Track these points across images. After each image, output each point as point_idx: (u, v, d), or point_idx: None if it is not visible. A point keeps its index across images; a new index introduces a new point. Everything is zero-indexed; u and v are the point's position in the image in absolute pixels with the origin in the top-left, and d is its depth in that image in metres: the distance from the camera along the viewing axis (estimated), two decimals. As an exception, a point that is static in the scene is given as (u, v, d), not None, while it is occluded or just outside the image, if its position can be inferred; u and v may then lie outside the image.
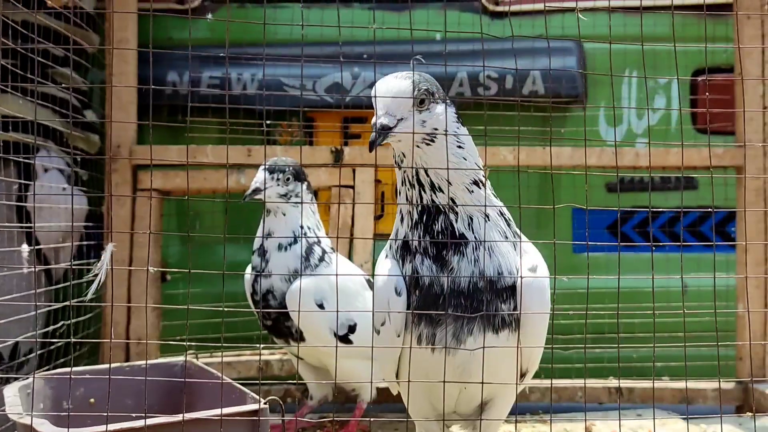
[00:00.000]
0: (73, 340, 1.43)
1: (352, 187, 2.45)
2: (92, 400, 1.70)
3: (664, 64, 2.87)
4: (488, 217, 1.29)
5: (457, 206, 1.27)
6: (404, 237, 1.30)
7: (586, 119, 2.97)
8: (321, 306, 1.84)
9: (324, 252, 1.92)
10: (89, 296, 1.22)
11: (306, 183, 1.96)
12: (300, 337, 1.90)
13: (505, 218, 1.33)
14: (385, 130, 1.23)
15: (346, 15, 2.96)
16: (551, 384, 1.34)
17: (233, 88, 2.93)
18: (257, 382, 2.43)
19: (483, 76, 2.95)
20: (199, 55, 2.85)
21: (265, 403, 1.35)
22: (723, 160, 2.57)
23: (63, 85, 2.57)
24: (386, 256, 1.34)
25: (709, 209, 2.89)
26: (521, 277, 1.29)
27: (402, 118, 1.24)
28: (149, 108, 2.72)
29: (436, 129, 1.26)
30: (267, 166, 1.88)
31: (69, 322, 2.10)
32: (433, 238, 1.27)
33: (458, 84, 3.05)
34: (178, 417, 1.29)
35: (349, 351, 1.81)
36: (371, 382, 1.86)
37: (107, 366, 1.84)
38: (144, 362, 1.84)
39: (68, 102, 2.77)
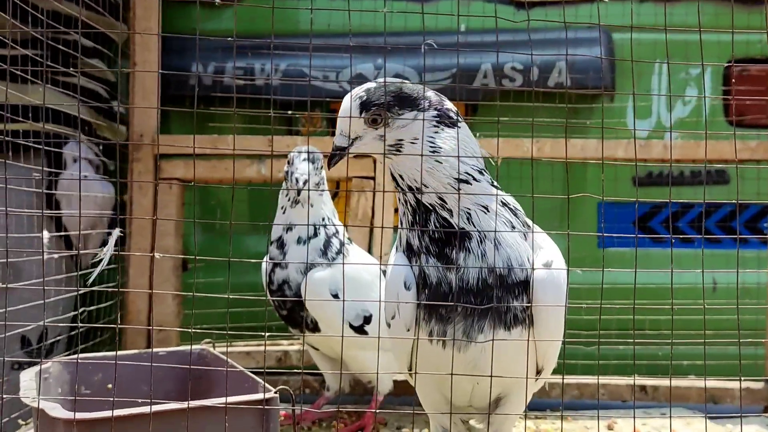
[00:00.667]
0: (96, 325, 1.45)
1: (373, 177, 2.43)
2: (110, 385, 1.71)
3: (696, 54, 2.80)
4: (487, 209, 1.27)
5: (447, 204, 1.25)
6: (406, 239, 1.29)
7: (611, 112, 2.90)
8: (336, 296, 1.83)
9: (342, 244, 1.91)
10: (90, 280, 1.22)
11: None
12: (314, 328, 1.89)
13: (509, 208, 1.30)
14: (340, 150, 1.27)
15: (369, 5, 2.93)
16: (562, 380, 1.30)
17: (256, 79, 2.93)
18: (275, 372, 2.45)
19: (507, 67, 2.90)
20: (222, 46, 2.86)
21: (275, 393, 1.35)
22: (756, 153, 2.49)
23: (88, 72, 2.61)
24: (396, 250, 1.34)
25: (739, 203, 2.83)
26: (533, 269, 1.26)
27: (357, 137, 1.26)
28: (172, 98, 2.78)
29: (401, 140, 1.25)
30: (306, 156, 1.86)
31: (79, 311, 2.13)
32: (430, 236, 1.25)
33: (482, 75, 3.01)
34: (184, 404, 1.29)
35: (364, 342, 1.80)
36: (376, 373, 1.83)
37: (125, 352, 1.86)
38: (161, 350, 1.86)
39: (96, 93, 2.80)
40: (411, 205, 1.27)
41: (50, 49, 2.36)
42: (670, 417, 1.32)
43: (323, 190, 1.90)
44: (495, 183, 1.33)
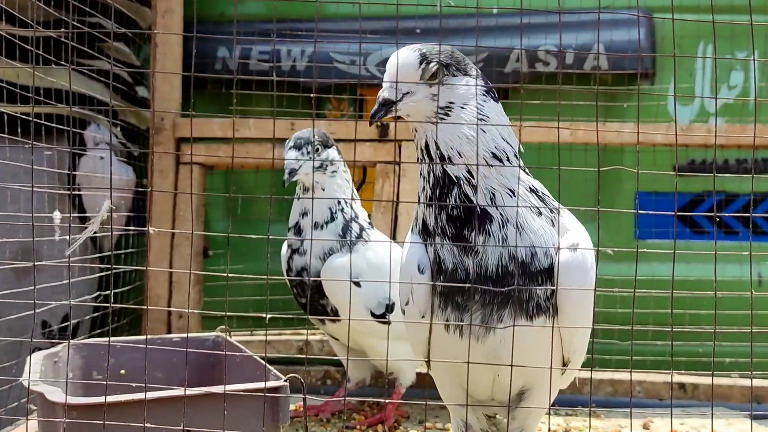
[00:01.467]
0: (113, 305, 1.39)
1: (398, 163, 2.34)
2: (123, 371, 1.67)
3: (742, 37, 2.64)
4: (513, 193, 1.18)
5: (473, 179, 1.16)
6: (423, 218, 1.21)
7: (651, 95, 2.76)
8: (357, 284, 1.75)
9: (362, 228, 1.83)
10: (69, 251, 1.16)
11: (336, 148, 1.86)
12: (335, 316, 1.82)
13: (537, 195, 1.21)
14: (387, 104, 1.17)
15: (401, -11, 2.84)
16: (591, 374, 1.21)
17: (282, 64, 2.87)
18: (297, 360, 2.38)
19: (542, 52, 2.78)
20: (247, 31, 2.80)
21: (284, 381, 1.27)
22: (808, 139, 2.33)
23: (116, 59, 2.57)
24: (411, 232, 1.26)
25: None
26: (558, 248, 1.16)
27: (408, 92, 1.17)
28: (195, 82, 2.73)
29: (452, 102, 1.19)
30: (293, 143, 1.78)
31: (95, 294, 2.08)
32: (448, 214, 1.16)
33: (515, 59, 2.89)
34: (180, 390, 1.23)
35: (384, 331, 1.72)
36: (385, 361, 1.75)
37: (140, 338, 1.81)
38: (176, 336, 1.80)
39: (120, 77, 2.77)
40: (435, 176, 1.18)
41: (74, 30, 2.33)
42: (712, 416, 1.21)
43: (333, 172, 1.81)
44: (527, 170, 1.25)
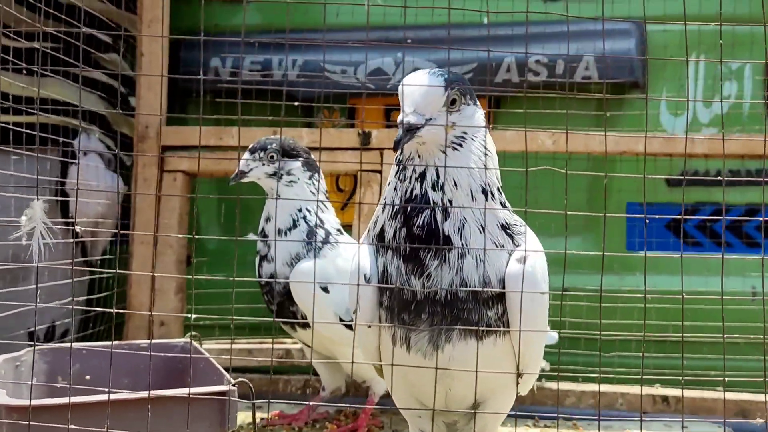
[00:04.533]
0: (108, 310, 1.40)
1: (380, 171, 2.34)
2: (88, 377, 1.67)
3: (736, 47, 2.62)
4: (483, 229, 1.16)
5: (451, 206, 1.15)
6: (381, 228, 1.19)
7: (642, 105, 2.74)
8: (325, 290, 1.75)
9: (328, 233, 1.83)
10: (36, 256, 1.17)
11: (301, 160, 1.87)
12: (305, 324, 1.81)
13: (507, 231, 1.20)
14: (412, 130, 1.13)
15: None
16: (557, 387, 1.18)
17: (274, 74, 2.89)
18: (277, 370, 2.38)
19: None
20: (239, 42, 2.82)
21: (233, 386, 1.27)
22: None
23: (103, 66, 2.60)
24: (363, 240, 1.25)
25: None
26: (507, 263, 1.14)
27: (431, 118, 1.15)
28: (183, 91, 2.76)
29: (465, 133, 1.18)
30: (250, 146, 1.82)
31: (71, 299, 2.10)
32: (410, 233, 1.15)
33: (505, 69, 2.88)
34: (144, 394, 1.23)
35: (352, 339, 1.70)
36: (349, 366, 1.74)
37: (106, 343, 1.82)
38: (143, 341, 1.81)
39: (113, 87, 2.81)
40: (414, 195, 1.15)
41: (64, 42, 2.36)
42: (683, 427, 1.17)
43: (291, 182, 1.83)
44: (507, 204, 1.24)
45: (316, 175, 1.89)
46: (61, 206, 2.45)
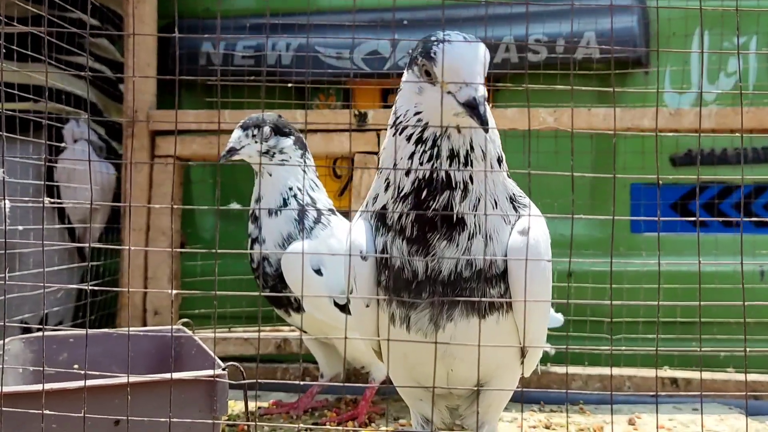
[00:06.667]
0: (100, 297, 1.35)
1: (377, 153, 2.27)
2: (76, 366, 1.61)
3: (740, 21, 2.54)
4: (496, 204, 1.11)
5: (471, 185, 1.08)
6: (383, 207, 1.12)
7: (645, 80, 2.67)
8: (318, 271, 1.68)
9: (320, 213, 1.76)
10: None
11: (293, 138, 1.80)
12: (299, 307, 1.75)
13: (514, 204, 1.14)
14: (481, 100, 1.02)
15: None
16: (566, 371, 1.12)
17: (267, 57, 2.82)
18: (275, 357, 2.32)
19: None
20: (232, 26, 2.76)
21: (223, 370, 1.21)
22: (804, 123, 2.22)
23: (93, 52, 2.53)
24: (360, 217, 1.18)
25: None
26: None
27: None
28: (170, 74, 2.68)
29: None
30: (241, 123, 1.74)
31: (54, 287, 2.04)
32: (420, 218, 1.07)
33: (504, 49, 2.81)
34: (123, 378, 1.17)
35: (350, 322, 1.64)
36: (342, 351, 1.67)
37: (95, 331, 1.76)
38: (134, 329, 1.75)
39: (103, 73, 2.74)
40: (433, 177, 1.07)
41: (53, 26, 2.29)
42: (702, 411, 1.12)
43: (283, 161, 1.76)
44: (509, 174, 1.18)
45: (307, 153, 1.82)
46: (51, 193, 2.38)
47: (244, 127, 1.72)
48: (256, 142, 1.71)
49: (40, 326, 2.30)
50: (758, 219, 2.60)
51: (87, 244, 2.42)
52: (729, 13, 2.54)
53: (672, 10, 2.61)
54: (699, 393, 2.10)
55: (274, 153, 1.75)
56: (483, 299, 1.10)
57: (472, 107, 1.02)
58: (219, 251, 1.04)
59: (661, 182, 3.00)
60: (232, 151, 1.70)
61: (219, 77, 2.57)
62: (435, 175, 1.08)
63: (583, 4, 2.77)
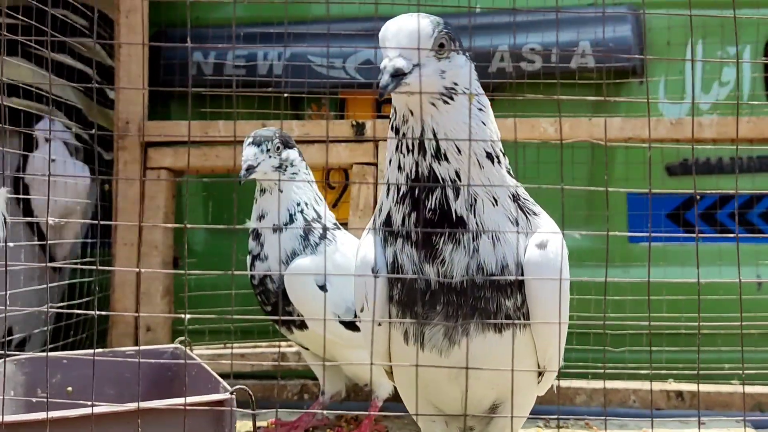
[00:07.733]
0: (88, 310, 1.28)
1: (375, 164, 2.23)
2: (69, 388, 1.54)
3: (733, 31, 2.55)
4: (496, 201, 1.06)
5: (460, 182, 1.03)
6: (387, 214, 1.07)
7: (641, 90, 2.66)
8: (323, 288, 1.63)
9: (326, 229, 1.71)
10: None
11: (297, 150, 1.76)
12: (302, 324, 1.70)
13: (519, 203, 1.09)
14: (398, 75, 0.98)
15: (383, -10, 2.75)
16: (558, 383, 1.10)
17: (259, 67, 2.78)
18: (272, 374, 2.26)
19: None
20: (225, 35, 2.71)
21: (231, 394, 1.15)
22: (804, 132, 2.22)
23: (76, 51, 2.44)
24: (368, 231, 1.13)
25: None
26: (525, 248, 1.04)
27: (417, 64, 1.00)
28: (164, 85, 2.63)
29: (456, 84, 1.04)
30: (252, 139, 1.68)
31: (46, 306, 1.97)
32: (421, 217, 1.03)
33: (499, 58, 2.79)
34: (133, 406, 1.11)
35: (354, 340, 1.60)
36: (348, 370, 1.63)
37: (89, 351, 1.69)
38: (129, 349, 1.68)
39: (88, 75, 2.63)
40: (419, 173, 1.03)
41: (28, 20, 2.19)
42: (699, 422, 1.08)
43: (293, 174, 1.71)
44: (511, 171, 1.12)
45: (306, 165, 1.78)
46: (22, 201, 2.26)
47: (257, 143, 1.67)
48: (270, 156, 1.66)
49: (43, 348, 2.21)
50: (754, 234, 2.60)
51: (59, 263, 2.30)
52: (727, 23, 2.55)
53: (670, 19, 2.61)
54: (703, 406, 2.08)
55: (286, 167, 1.70)
56: (501, 321, 1.06)
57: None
58: (235, 272, 0.99)
59: (655, 192, 2.98)
60: (251, 169, 1.64)
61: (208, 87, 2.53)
62: (418, 168, 1.04)
63: (573, 12, 2.78)
